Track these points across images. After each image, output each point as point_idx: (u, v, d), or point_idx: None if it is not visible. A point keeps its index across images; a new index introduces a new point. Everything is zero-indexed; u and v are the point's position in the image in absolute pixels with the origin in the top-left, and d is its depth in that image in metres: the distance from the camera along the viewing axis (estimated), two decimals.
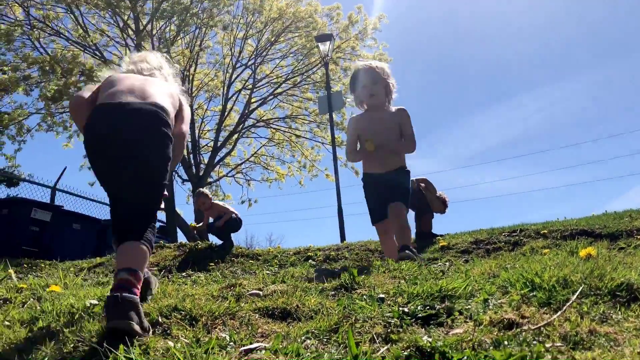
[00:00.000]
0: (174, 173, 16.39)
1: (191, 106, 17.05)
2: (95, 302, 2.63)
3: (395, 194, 4.06)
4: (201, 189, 8.05)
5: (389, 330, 1.90)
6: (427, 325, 2.00)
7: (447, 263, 4.11)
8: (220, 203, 7.65)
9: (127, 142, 2.40)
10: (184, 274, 5.22)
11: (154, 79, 2.81)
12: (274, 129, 18.94)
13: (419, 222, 7.11)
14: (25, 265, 6.42)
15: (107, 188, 2.53)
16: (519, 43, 63.60)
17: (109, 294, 2.11)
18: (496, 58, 63.82)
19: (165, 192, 2.69)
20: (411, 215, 6.71)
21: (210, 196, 7.65)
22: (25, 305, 2.80)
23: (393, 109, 4.21)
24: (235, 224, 7.26)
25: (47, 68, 13.04)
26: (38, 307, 2.60)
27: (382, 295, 2.41)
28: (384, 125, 4.12)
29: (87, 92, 2.74)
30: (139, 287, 2.20)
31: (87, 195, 12.13)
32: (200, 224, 7.75)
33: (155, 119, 2.45)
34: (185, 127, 2.85)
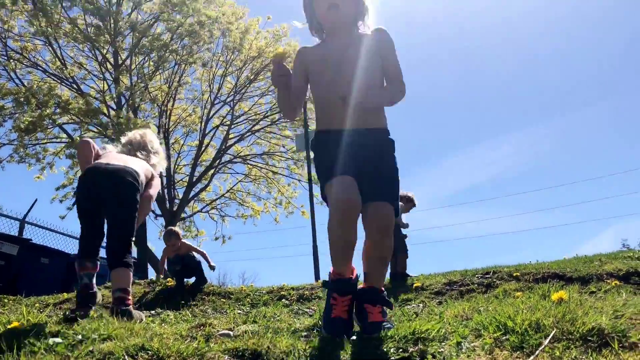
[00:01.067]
0: None
1: (167, 144, 17.01)
2: (58, 340, 2.54)
3: (376, 183, 2.48)
4: (172, 227, 7.42)
5: None
6: None
7: (421, 305, 4.10)
8: (187, 242, 7.21)
9: (107, 185, 3.51)
10: (152, 312, 5.09)
11: (134, 158, 3.84)
12: (251, 165, 18.94)
13: (394, 262, 6.98)
14: None
15: (86, 222, 3.61)
16: (491, 89, 65.38)
17: (111, 305, 3.44)
18: (469, 102, 65.39)
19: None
20: None
21: (181, 237, 7.08)
22: None
23: (367, 31, 2.68)
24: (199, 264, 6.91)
25: (22, 99, 12.92)
26: None
27: (354, 337, 2.38)
28: (351, 57, 2.55)
29: (93, 144, 3.72)
30: (130, 299, 3.41)
31: (57, 229, 11.87)
32: (162, 263, 7.19)
33: (124, 172, 3.53)
34: (152, 191, 3.84)
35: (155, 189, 3.87)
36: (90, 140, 3.73)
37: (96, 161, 3.63)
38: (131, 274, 3.46)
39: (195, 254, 6.89)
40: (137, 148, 4.02)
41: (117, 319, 3.02)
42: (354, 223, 2.35)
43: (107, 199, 3.51)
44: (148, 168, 3.84)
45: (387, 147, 2.59)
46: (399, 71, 2.64)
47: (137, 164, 3.70)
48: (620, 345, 1.99)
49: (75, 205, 3.67)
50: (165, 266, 7.04)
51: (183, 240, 6.98)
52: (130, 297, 3.38)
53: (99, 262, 3.74)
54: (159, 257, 14.90)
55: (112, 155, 3.76)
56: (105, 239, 3.61)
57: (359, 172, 2.43)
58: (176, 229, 7.27)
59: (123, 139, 4.18)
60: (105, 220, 3.58)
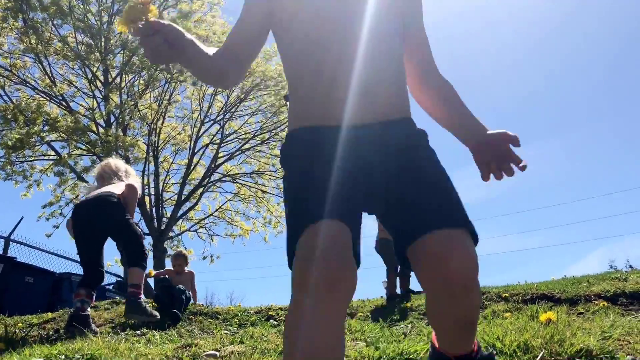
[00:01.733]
0: None
1: (156, 162, 16.94)
2: None
3: (427, 201, 1.39)
4: (182, 250, 7.66)
5: None
6: None
7: (409, 325, 4.07)
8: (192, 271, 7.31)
9: (92, 209, 4.26)
10: (138, 332, 5.01)
11: (110, 185, 4.47)
12: (240, 184, 18.88)
13: (403, 281, 6.71)
14: None
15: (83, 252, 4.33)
16: (483, 105, 66.05)
17: (126, 298, 4.47)
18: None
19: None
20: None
21: (188, 263, 7.25)
22: None
23: None
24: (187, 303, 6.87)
25: (10, 116, 12.83)
26: None
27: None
28: (357, 10, 1.53)
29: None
30: (141, 293, 4.35)
31: (43, 247, 11.70)
32: (161, 272, 7.32)
33: (107, 195, 4.28)
34: (126, 191, 4.41)
35: (131, 188, 4.46)
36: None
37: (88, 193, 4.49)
38: (144, 273, 4.43)
39: (187, 291, 6.74)
40: (108, 179, 4.58)
41: (130, 310, 4.26)
42: (342, 320, 1.26)
43: (97, 219, 4.20)
44: (118, 185, 4.48)
45: (422, 143, 1.57)
46: (425, 34, 1.69)
47: (109, 188, 4.39)
48: None
49: (75, 241, 4.29)
50: (152, 281, 7.20)
51: (190, 269, 7.14)
52: (141, 292, 4.32)
53: (94, 294, 4.27)
54: (145, 279, 14.73)
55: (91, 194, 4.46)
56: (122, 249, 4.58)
57: (379, 199, 1.47)
58: (186, 253, 7.55)
59: (93, 176, 4.92)
60: (111, 237, 4.42)
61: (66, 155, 14.14)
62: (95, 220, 4.19)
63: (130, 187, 4.47)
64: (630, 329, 2.61)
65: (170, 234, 17.41)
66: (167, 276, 6.90)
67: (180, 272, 6.92)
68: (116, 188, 4.40)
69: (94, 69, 15.34)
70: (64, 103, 14.93)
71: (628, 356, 2.09)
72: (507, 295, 6.34)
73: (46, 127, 13.39)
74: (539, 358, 2.05)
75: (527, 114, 70.88)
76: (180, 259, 7.04)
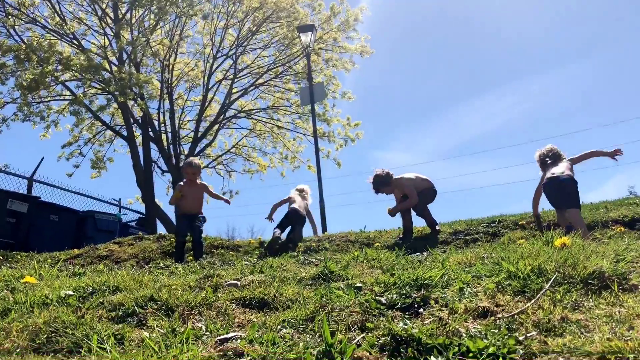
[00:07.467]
0: (153, 164, 16.23)
1: (171, 100, 16.88)
2: (70, 292, 2.60)
3: None
4: (193, 158, 7.09)
5: (364, 318, 1.91)
6: (403, 313, 2.01)
7: (425, 253, 4.14)
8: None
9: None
10: (161, 264, 5.18)
11: (302, 200, 7.71)
12: (256, 119, 18.81)
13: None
14: (1, 257, 6.31)
15: None
16: (501, 36, 64.08)
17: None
18: (478, 51, 64.22)
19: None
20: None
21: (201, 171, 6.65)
22: None
23: None
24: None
25: (23, 57, 12.75)
26: (11, 299, 2.56)
27: (359, 285, 2.42)
28: None
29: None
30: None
31: (65, 187, 11.94)
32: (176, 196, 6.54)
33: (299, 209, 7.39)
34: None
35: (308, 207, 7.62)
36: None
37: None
38: None
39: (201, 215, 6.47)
40: (301, 193, 7.64)
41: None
42: None
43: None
44: (305, 201, 7.62)
45: None
46: None
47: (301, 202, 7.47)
48: (620, 287, 2.02)
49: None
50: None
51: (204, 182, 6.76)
52: None
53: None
54: (167, 214, 14.75)
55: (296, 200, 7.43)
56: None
57: None
58: (197, 160, 6.93)
59: (297, 190, 7.77)
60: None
61: (81, 95, 14.12)
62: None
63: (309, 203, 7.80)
64: None
65: None
66: (180, 193, 6.42)
67: (194, 182, 6.42)
68: (304, 204, 7.55)
69: (103, 5, 15.06)
70: (75, 42, 14.77)
71: None
72: (523, 222, 6.37)
73: (59, 67, 13.32)
74: (551, 281, 2.08)
75: (542, 38, 68.68)
76: (192, 167, 6.46)
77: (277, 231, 6.88)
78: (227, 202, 7.03)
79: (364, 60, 18.50)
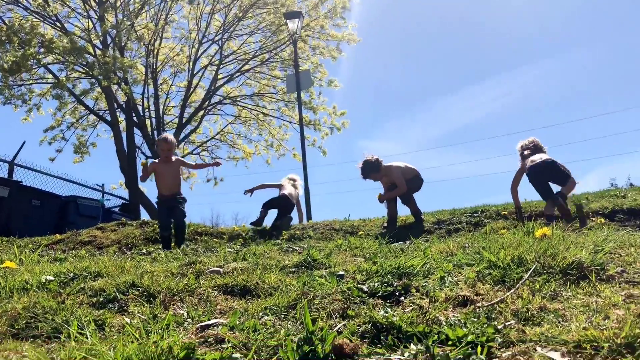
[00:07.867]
0: (136, 150, 16.07)
1: (155, 85, 16.69)
2: (51, 278, 2.58)
3: None
4: (166, 134, 6.60)
5: (346, 306, 1.92)
6: (384, 301, 2.02)
7: (407, 241, 4.17)
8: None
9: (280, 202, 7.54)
10: (144, 251, 5.16)
11: (293, 188, 8.04)
12: (241, 106, 18.69)
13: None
14: None
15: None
16: (488, 29, 64.27)
17: None
18: (466, 43, 64.36)
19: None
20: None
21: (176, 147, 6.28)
22: None
23: None
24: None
25: (4, 38, 12.50)
26: None
27: (341, 273, 2.43)
28: None
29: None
30: None
31: (48, 171, 11.80)
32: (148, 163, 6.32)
33: (289, 195, 7.82)
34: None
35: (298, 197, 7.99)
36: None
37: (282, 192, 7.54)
38: None
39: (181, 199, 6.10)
40: (293, 183, 7.94)
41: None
42: None
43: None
44: (296, 190, 7.88)
45: None
46: None
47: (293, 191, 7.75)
48: (598, 277, 2.05)
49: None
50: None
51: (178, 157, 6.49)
52: None
53: None
54: (151, 200, 14.60)
55: (288, 187, 7.66)
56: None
57: None
58: (170, 136, 6.47)
59: (288, 178, 8.00)
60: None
61: (64, 79, 13.89)
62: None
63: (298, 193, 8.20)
64: (623, 242, 2.67)
65: (173, 157, 17.39)
66: (146, 161, 6.25)
67: (169, 159, 6.15)
68: (294, 191, 7.89)
69: None
70: (58, 24, 14.50)
71: (618, 268, 2.15)
72: (506, 213, 6.44)
73: (42, 49, 13.08)
74: (531, 271, 2.11)
75: (525, 32, 69.01)
76: (171, 143, 6.18)
77: (263, 211, 7.17)
78: (217, 164, 7.07)
79: (352, 49, 18.43)
